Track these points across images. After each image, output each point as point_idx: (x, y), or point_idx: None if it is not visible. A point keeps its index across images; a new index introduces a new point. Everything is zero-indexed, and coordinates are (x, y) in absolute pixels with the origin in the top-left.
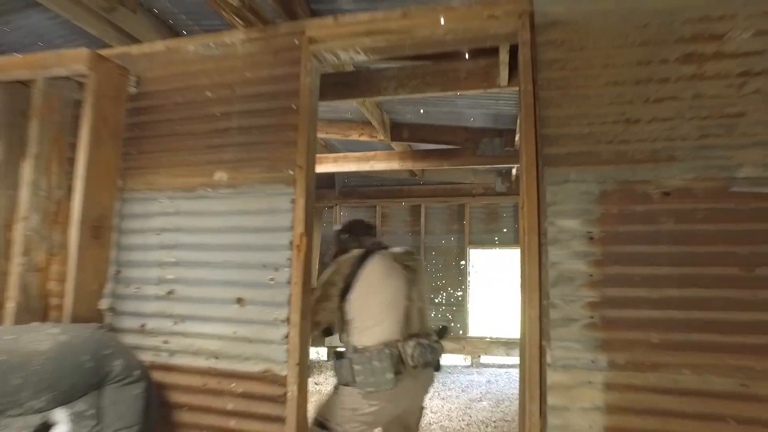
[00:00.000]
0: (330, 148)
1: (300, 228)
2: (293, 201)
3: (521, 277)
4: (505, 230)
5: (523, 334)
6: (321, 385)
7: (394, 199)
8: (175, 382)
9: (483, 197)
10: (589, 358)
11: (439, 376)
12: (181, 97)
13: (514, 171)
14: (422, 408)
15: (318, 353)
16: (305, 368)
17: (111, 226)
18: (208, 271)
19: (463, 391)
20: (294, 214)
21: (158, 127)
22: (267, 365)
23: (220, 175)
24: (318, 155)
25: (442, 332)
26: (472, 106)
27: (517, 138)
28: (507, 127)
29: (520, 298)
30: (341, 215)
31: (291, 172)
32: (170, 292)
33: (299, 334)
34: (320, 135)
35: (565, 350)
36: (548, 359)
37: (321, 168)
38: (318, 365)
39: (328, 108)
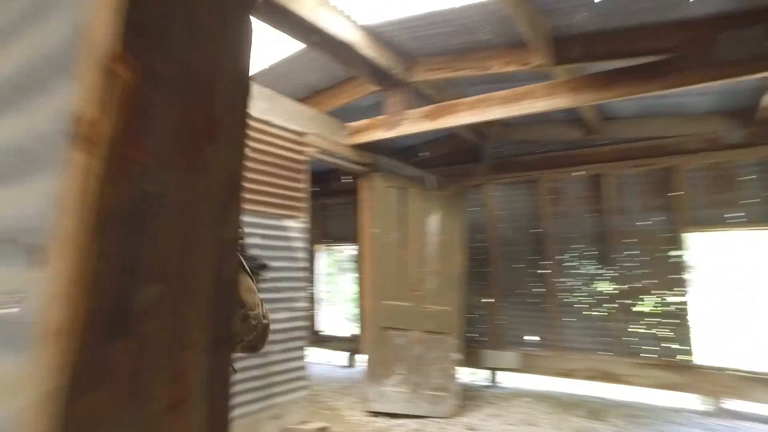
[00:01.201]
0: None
1: None
2: None
3: None
4: (747, 201)
5: None
6: None
7: (564, 168)
8: None
9: (704, 153)
10: None
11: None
12: None
13: (765, 101)
14: None
15: (474, 374)
16: None
17: None
18: None
19: None
20: None
21: None
22: None
23: None
24: (445, 104)
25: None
26: None
27: None
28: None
29: None
30: (494, 195)
31: None
32: None
33: None
34: (448, 74)
35: None
36: None
37: (453, 120)
38: (475, 394)
39: (455, 27)
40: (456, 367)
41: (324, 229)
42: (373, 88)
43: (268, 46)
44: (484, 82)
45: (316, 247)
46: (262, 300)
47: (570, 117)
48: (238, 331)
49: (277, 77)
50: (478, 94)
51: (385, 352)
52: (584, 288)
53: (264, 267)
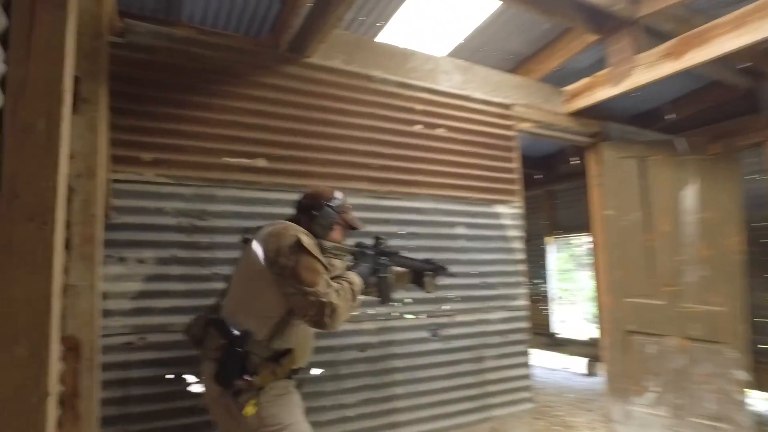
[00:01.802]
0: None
1: None
2: None
3: None
4: None
5: None
6: None
7: None
8: None
9: None
10: None
11: None
12: None
13: None
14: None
15: None
16: None
17: None
18: None
19: None
20: None
21: None
22: None
23: None
24: (694, 32)
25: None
26: None
27: None
28: None
29: None
30: None
31: None
32: None
33: None
34: None
35: None
36: None
37: (708, 51)
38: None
39: None
40: (743, 390)
41: (553, 219)
42: (591, 38)
43: (455, 17)
44: None
45: (546, 240)
46: (329, 280)
47: None
48: (300, 305)
49: (474, 50)
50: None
51: (632, 362)
52: None
53: (441, 270)
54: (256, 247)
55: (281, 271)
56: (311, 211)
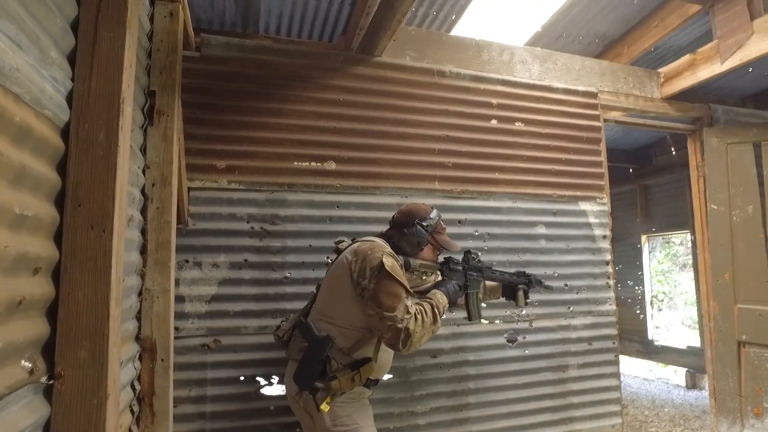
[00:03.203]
0: None
1: None
2: None
3: None
4: None
5: None
6: None
7: None
8: None
9: None
10: None
11: None
12: None
13: None
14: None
15: None
16: None
17: None
18: None
19: None
20: None
21: None
22: None
23: None
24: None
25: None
26: None
27: None
28: None
29: None
30: None
31: None
32: None
33: None
34: None
35: None
36: None
37: None
38: None
39: None
40: None
41: (648, 216)
42: (693, 8)
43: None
44: None
45: (642, 238)
46: (408, 305)
47: None
48: (377, 327)
49: (555, 38)
50: None
51: (746, 378)
52: None
53: (535, 283)
54: (344, 262)
55: (363, 292)
56: (403, 228)
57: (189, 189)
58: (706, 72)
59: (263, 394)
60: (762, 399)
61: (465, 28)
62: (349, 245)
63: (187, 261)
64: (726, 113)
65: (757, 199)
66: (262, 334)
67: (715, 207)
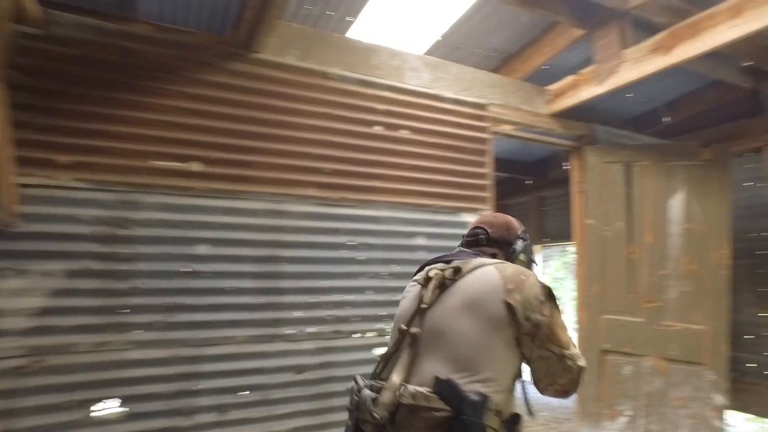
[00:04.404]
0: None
1: None
2: None
3: None
4: None
5: None
6: None
7: None
8: None
9: None
10: None
11: None
12: None
13: None
14: None
15: (752, 424)
16: None
17: None
18: None
19: None
20: None
21: None
22: None
23: None
24: (687, 22)
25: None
26: None
27: None
28: None
29: None
30: None
31: None
32: None
33: None
34: None
35: None
36: None
37: (702, 44)
38: None
39: None
40: (721, 415)
41: (541, 227)
42: (578, 32)
43: (431, 13)
44: None
45: (534, 248)
46: (571, 338)
47: None
48: (552, 372)
49: (453, 48)
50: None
51: (605, 384)
52: None
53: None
54: (490, 296)
55: (534, 330)
56: (509, 246)
57: (21, 186)
58: (586, 93)
59: (96, 418)
60: (615, 402)
61: (362, 32)
62: (465, 271)
63: (7, 269)
64: (606, 133)
65: (625, 216)
66: (101, 351)
67: (591, 222)
